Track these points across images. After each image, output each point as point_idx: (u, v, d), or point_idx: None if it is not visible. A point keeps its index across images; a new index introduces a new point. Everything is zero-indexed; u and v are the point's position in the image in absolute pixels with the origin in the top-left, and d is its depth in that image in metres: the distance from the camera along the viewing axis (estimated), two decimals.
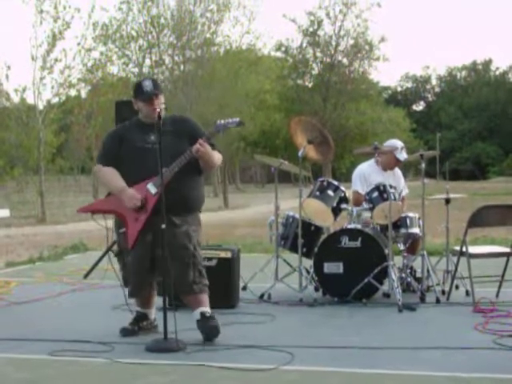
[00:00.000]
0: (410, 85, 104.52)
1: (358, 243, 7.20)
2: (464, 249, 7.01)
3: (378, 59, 49.86)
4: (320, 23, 48.80)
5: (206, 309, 5.60)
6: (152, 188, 5.44)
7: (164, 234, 5.25)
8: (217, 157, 5.63)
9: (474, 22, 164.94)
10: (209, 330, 5.48)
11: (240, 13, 38.70)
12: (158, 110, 5.43)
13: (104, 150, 5.81)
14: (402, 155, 7.94)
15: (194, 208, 5.73)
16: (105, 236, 5.93)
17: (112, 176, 5.64)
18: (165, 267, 5.32)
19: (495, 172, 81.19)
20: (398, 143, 8.06)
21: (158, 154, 5.30)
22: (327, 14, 48.41)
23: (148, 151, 5.49)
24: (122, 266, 5.82)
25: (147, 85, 5.60)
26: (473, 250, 7.20)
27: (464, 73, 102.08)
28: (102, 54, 29.57)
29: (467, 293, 7.26)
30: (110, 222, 5.82)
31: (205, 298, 5.64)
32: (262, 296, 7.41)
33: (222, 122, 5.51)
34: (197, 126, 5.76)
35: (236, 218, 22.60)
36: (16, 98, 26.47)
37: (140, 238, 5.52)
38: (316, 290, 7.55)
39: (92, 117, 38.17)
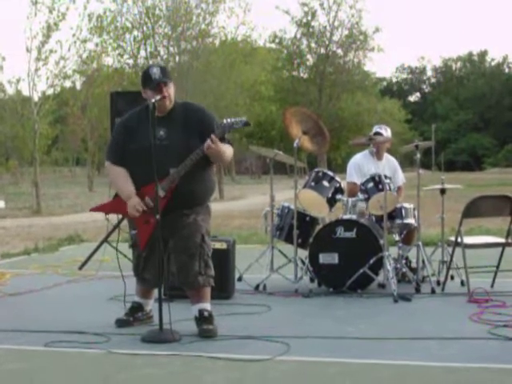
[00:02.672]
0: (405, 76, 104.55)
1: (353, 234, 7.21)
2: (459, 239, 7.02)
3: (372, 50, 49.77)
4: (314, 14, 48.67)
5: (205, 305, 5.57)
6: (160, 191, 5.28)
7: (160, 225, 5.23)
8: (228, 152, 5.46)
9: (469, 12, 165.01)
10: (203, 333, 5.43)
11: (235, 4, 38.65)
12: (152, 100, 5.31)
13: (112, 144, 5.68)
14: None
15: (204, 200, 5.63)
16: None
17: (120, 179, 5.54)
18: (160, 258, 5.32)
19: (490, 163, 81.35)
20: (376, 127, 8.17)
21: (153, 151, 5.19)
22: (321, 5, 48.29)
23: (156, 148, 5.23)
24: (136, 257, 5.80)
25: (155, 72, 5.43)
26: (468, 240, 7.22)
27: (459, 64, 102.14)
28: (97, 45, 29.48)
29: (462, 283, 7.28)
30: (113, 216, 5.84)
31: (207, 292, 5.60)
32: (257, 287, 7.41)
33: (229, 121, 5.32)
34: (209, 119, 5.49)
35: (231, 209, 22.59)
36: (10, 90, 26.44)
37: (153, 236, 5.45)
38: (311, 280, 7.56)
39: (87, 108, 38.20)
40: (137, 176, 5.47)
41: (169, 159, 5.32)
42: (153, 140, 5.23)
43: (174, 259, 5.51)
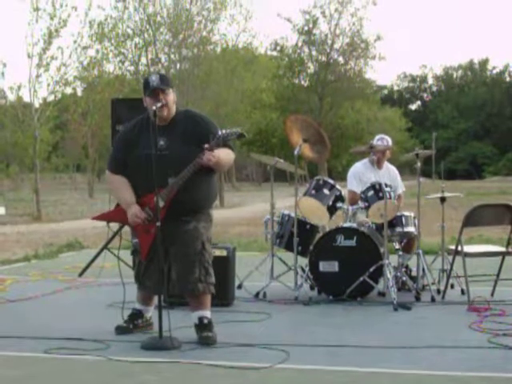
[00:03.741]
0: (406, 84, 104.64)
1: (353, 242, 7.20)
2: (459, 248, 7.02)
3: (373, 58, 49.76)
4: (315, 22, 48.70)
5: (205, 313, 5.56)
6: (159, 201, 5.27)
7: (159, 232, 5.23)
8: (228, 158, 5.45)
9: (471, 21, 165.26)
10: (203, 341, 5.42)
11: (236, 11, 38.71)
12: (154, 107, 5.34)
13: (113, 154, 5.68)
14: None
15: (205, 207, 5.60)
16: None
17: (121, 188, 5.54)
18: (160, 265, 5.31)
19: (491, 172, 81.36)
20: (377, 138, 8.12)
21: (154, 160, 5.20)
22: (322, 13, 48.31)
23: (156, 159, 5.22)
24: (137, 264, 5.79)
25: (153, 79, 5.44)
26: (468, 249, 7.22)
27: (460, 72, 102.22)
28: (97, 51, 29.50)
29: (462, 292, 7.27)
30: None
31: (207, 299, 5.58)
32: (257, 294, 7.41)
33: (223, 132, 5.27)
34: (209, 129, 5.44)
35: (232, 216, 22.58)
36: (11, 96, 26.48)
37: (153, 245, 5.43)
38: (311, 288, 7.57)
39: (88, 115, 38.24)
40: (137, 185, 5.48)
41: (168, 169, 5.30)
42: (154, 149, 5.24)
43: (175, 266, 5.50)
